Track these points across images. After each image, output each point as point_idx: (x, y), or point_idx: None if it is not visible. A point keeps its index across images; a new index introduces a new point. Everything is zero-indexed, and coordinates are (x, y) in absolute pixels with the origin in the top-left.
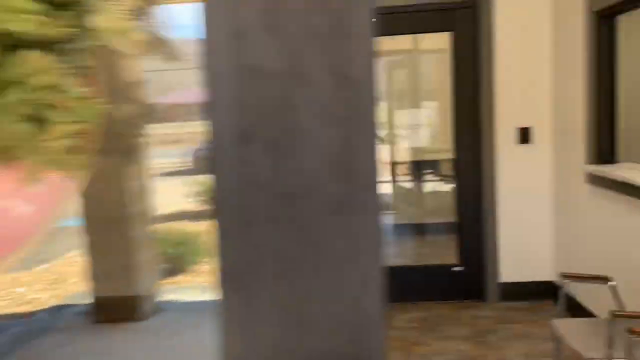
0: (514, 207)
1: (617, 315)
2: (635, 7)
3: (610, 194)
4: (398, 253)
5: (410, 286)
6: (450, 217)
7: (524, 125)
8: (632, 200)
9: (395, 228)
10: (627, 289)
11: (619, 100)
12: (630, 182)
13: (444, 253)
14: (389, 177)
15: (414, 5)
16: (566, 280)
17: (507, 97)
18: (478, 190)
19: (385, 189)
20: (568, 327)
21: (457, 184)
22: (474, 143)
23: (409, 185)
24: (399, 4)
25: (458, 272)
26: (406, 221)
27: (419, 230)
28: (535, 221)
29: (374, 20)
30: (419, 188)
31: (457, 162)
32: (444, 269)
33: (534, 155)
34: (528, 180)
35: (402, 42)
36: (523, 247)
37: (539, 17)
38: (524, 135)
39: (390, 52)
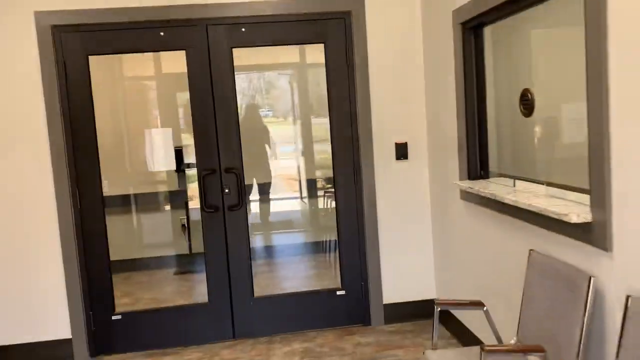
0: (395, 224)
1: (487, 350)
2: (499, 18)
3: (482, 209)
4: (286, 276)
5: (294, 315)
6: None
7: (401, 141)
8: (501, 216)
9: (295, 247)
10: (500, 308)
11: (489, 113)
12: (497, 198)
13: (332, 274)
14: (296, 194)
15: (282, 15)
16: (439, 308)
17: (383, 112)
18: (359, 207)
19: (293, 206)
20: (440, 359)
21: (338, 202)
22: (353, 159)
23: (307, 202)
24: (266, 13)
25: (342, 296)
26: (310, 240)
27: (316, 249)
28: (416, 238)
29: None
30: (316, 206)
31: (337, 179)
32: (328, 293)
33: (412, 172)
34: (407, 197)
35: (291, 54)
36: (406, 266)
37: (411, 30)
38: (401, 151)
39: (279, 66)
